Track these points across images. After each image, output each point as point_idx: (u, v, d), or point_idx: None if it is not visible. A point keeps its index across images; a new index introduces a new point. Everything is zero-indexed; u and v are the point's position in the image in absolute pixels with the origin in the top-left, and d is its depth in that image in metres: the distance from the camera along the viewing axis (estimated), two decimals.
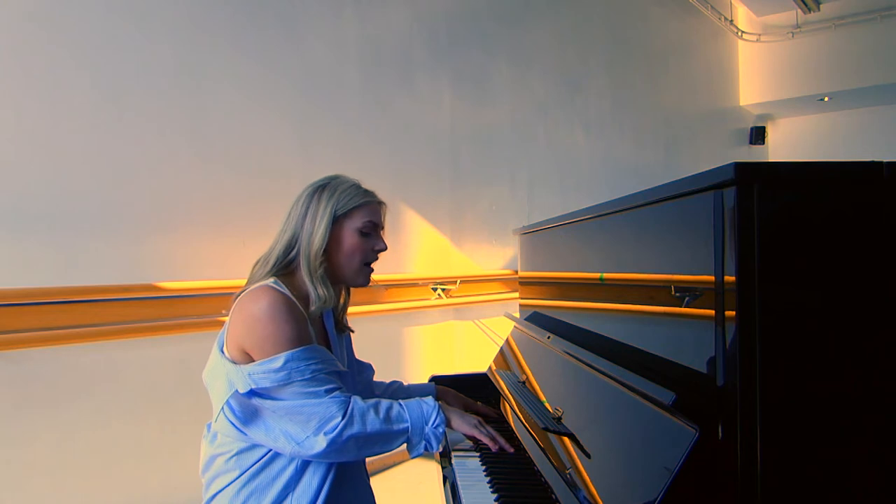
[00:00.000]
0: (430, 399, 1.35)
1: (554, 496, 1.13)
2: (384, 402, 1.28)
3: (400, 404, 1.31)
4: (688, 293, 0.94)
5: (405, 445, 1.31)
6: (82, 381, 2.14)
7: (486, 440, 1.36)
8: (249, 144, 2.66)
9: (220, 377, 1.25)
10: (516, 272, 3.20)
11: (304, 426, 1.20)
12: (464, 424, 1.36)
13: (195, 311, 2.39)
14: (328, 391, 1.22)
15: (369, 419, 1.23)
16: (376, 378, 1.60)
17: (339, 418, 1.20)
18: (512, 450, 1.39)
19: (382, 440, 1.26)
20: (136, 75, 2.31)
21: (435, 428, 1.31)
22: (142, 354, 2.28)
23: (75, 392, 2.12)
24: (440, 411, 1.32)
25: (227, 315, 1.32)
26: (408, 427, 1.28)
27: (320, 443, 1.19)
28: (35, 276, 2.03)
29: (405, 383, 1.67)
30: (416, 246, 3.45)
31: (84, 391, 2.14)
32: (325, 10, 3.00)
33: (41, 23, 2.09)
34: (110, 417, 2.20)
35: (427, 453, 1.35)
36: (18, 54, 2.04)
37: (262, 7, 2.74)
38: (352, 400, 1.24)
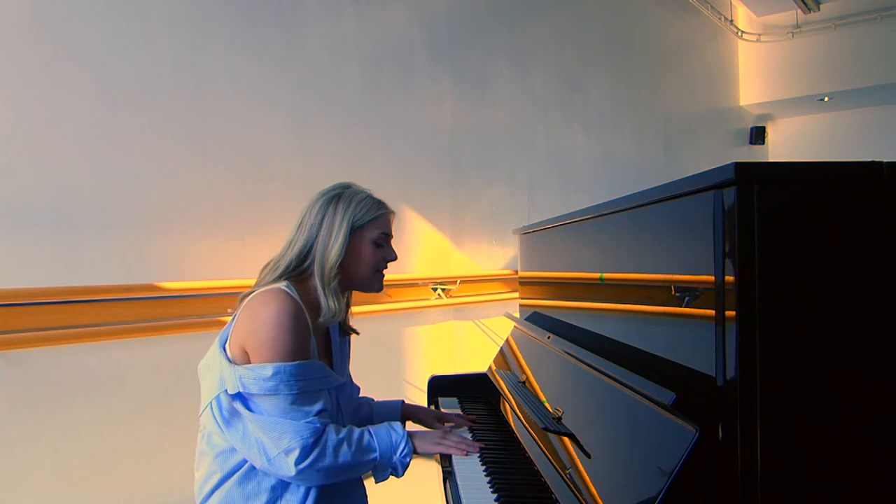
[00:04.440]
0: (398, 426, 1.36)
1: (554, 496, 1.13)
2: (356, 433, 1.29)
3: (370, 432, 1.31)
4: (688, 293, 0.94)
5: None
6: (82, 382, 2.14)
7: (452, 451, 1.40)
8: (249, 145, 2.66)
9: (214, 372, 1.26)
10: (516, 272, 3.20)
11: (276, 443, 1.20)
12: (428, 445, 1.40)
13: (195, 311, 2.39)
14: (310, 413, 1.22)
15: (341, 452, 1.24)
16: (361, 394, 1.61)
17: (310, 448, 1.20)
18: (481, 444, 1.43)
19: (350, 470, 1.27)
20: (136, 75, 2.31)
21: (403, 457, 1.33)
22: (142, 354, 2.28)
23: (75, 392, 2.12)
24: (408, 440, 1.34)
25: (230, 314, 1.32)
26: (376, 457, 1.30)
27: (289, 466, 1.19)
28: (35, 276, 2.03)
29: (376, 398, 1.66)
30: (416, 246, 3.45)
31: (84, 391, 2.14)
32: (324, 10, 3.00)
33: (41, 23, 2.09)
34: (111, 417, 2.20)
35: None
36: (19, 55, 2.04)
37: (262, 7, 2.74)
38: (326, 431, 1.24)
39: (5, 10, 2.01)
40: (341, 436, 1.25)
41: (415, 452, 1.37)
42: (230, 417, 1.23)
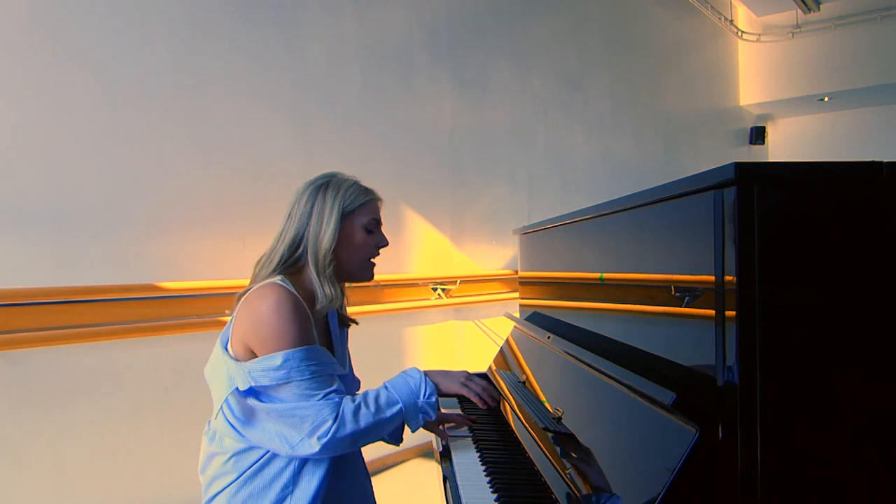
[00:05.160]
0: (413, 371, 1.35)
1: (554, 496, 1.13)
2: (371, 393, 1.29)
3: (387, 387, 1.31)
4: (688, 293, 0.94)
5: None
6: (82, 382, 2.14)
7: (473, 397, 1.40)
8: (249, 145, 2.66)
9: (221, 373, 1.26)
10: (516, 272, 3.20)
11: (298, 429, 1.20)
12: (452, 385, 1.39)
13: (195, 311, 2.39)
14: (325, 395, 1.22)
15: (361, 415, 1.24)
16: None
17: (331, 422, 1.20)
18: (497, 400, 1.41)
19: (378, 429, 1.27)
20: (137, 75, 2.31)
21: (428, 398, 1.32)
22: (142, 354, 2.28)
23: (75, 392, 2.12)
24: (427, 380, 1.33)
25: (230, 314, 1.32)
26: (401, 408, 1.29)
27: (314, 445, 1.20)
28: (35, 276, 2.03)
29: None
30: (416, 246, 3.45)
31: (84, 391, 2.14)
32: (324, 10, 3.00)
33: (41, 23, 2.09)
34: (110, 417, 2.20)
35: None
36: (19, 55, 2.04)
37: (262, 7, 2.74)
38: (342, 401, 1.24)
39: (5, 10, 2.01)
40: (357, 402, 1.25)
41: (439, 391, 1.36)
42: (245, 417, 1.23)
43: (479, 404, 1.41)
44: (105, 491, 2.18)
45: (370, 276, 1.40)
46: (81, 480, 2.13)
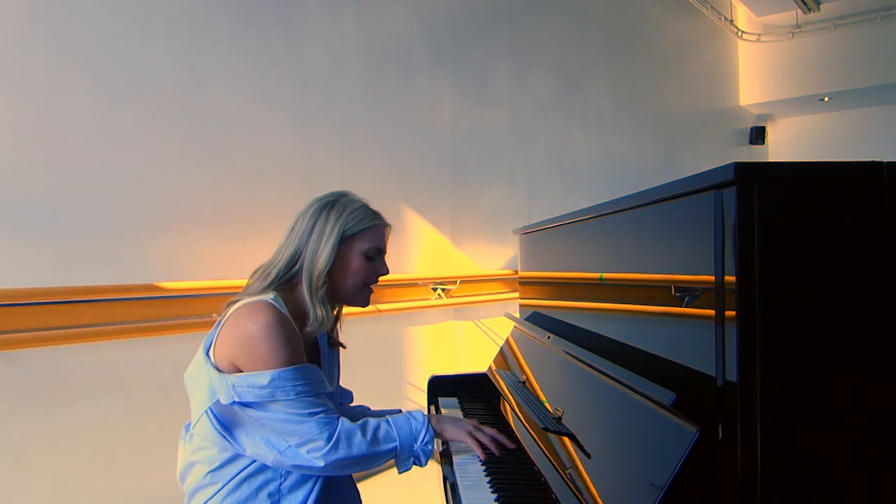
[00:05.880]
0: (418, 414, 1.33)
1: (554, 496, 1.13)
2: (372, 423, 1.27)
3: (388, 422, 1.29)
4: (688, 293, 0.94)
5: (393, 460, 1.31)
6: (82, 382, 2.14)
7: (481, 447, 1.36)
8: (249, 144, 2.66)
9: (203, 382, 1.23)
10: (516, 272, 3.20)
11: (287, 438, 1.19)
12: (460, 433, 1.35)
13: (195, 311, 2.39)
14: (311, 414, 1.20)
15: (355, 442, 1.22)
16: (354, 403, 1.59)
17: (323, 442, 1.19)
18: (513, 445, 1.38)
19: (368, 460, 1.25)
20: (136, 75, 2.31)
21: (424, 445, 1.30)
22: (142, 354, 2.28)
23: (75, 392, 2.12)
24: (429, 427, 1.31)
25: (217, 317, 1.30)
26: (396, 446, 1.27)
27: (303, 457, 1.18)
28: (35, 276, 2.03)
29: (372, 408, 1.64)
30: (416, 246, 3.45)
31: (84, 391, 2.14)
32: (324, 10, 3.00)
33: (41, 23, 2.09)
34: (110, 417, 2.20)
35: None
36: (18, 55, 2.04)
37: (262, 7, 2.74)
38: (339, 423, 1.22)
39: (5, 10, 2.01)
40: (355, 426, 1.24)
41: (443, 438, 1.34)
42: (231, 424, 1.21)
43: (494, 449, 1.36)
44: (105, 491, 2.18)
45: (365, 303, 1.37)
46: (81, 480, 2.12)
